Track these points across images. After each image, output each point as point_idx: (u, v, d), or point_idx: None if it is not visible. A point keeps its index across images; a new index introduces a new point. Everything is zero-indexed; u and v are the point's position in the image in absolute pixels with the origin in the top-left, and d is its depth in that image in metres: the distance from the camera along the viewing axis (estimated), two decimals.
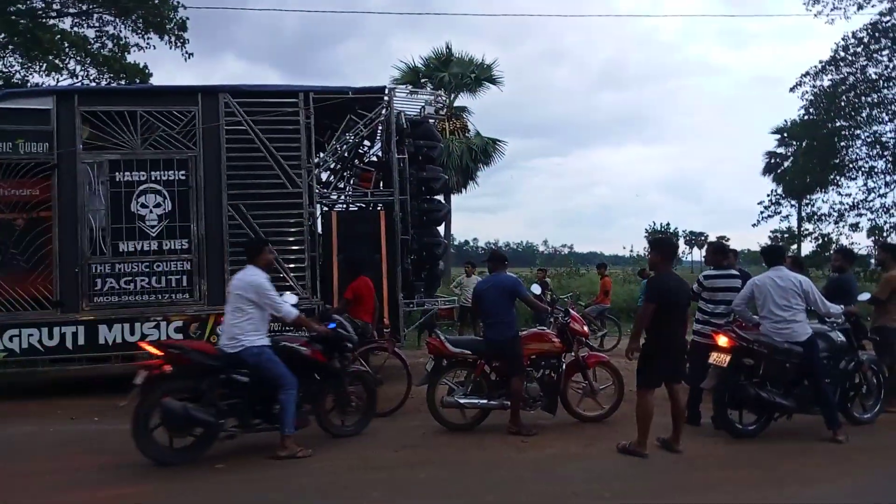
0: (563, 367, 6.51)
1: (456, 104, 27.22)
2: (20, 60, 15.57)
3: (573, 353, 6.57)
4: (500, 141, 27.79)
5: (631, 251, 40.74)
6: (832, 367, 6.29)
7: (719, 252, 6.85)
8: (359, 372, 6.31)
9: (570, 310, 7.01)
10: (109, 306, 8.08)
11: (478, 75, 27.20)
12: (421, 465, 5.29)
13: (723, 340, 5.98)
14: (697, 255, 71.83)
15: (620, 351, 9.51)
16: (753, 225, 24.45)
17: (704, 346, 6.20)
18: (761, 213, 24.00)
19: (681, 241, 67.28)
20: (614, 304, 13.62)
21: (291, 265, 8.55)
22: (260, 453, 5.42)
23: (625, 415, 6.16)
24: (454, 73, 26.64)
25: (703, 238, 71.70)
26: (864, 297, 7.04)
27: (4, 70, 15.53)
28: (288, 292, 6.56)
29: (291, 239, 8.57)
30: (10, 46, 15.35)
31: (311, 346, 5.76)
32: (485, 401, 6.32)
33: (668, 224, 68.00)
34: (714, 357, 6.01)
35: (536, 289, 7.80)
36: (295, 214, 8.54)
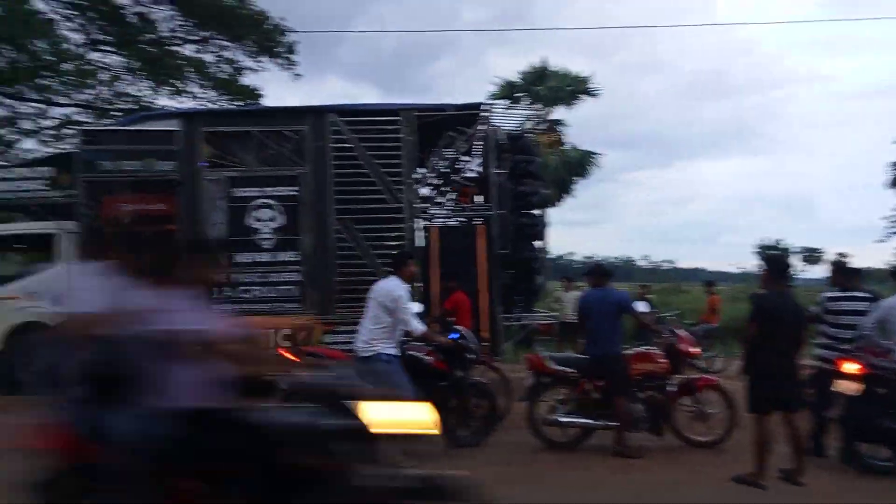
0: (672, 388, 6.24)
1: (551, 117, 27.01)
2: (150, 85, 17.04)
3: (680, 375, 6.30)
4: (596, 153, 27.30)
5: (740, 267, 38.41)
6: None
7: (843, 272, 6.38)
8: (480, 383, 6.36)
9: (676, 329, 6.73)
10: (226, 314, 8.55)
11: (574, 88, 26.87)
12: (517, 483, 5.19)
13: (851, 367, 5.53)
14: (815, 272, 66.63)
15: (730, 373, 9.04)
16: (879, 241, 22.64)
17: (830, 373, 5.76)
18: (887, 227, 22.16)
19: (795, 258, 62.69)
20: (723, 324, 12.90)
21: None
22: None
23: (740, 442, 5.80)
24: (550, 87, 26.47)
25: (818, 254, 66.63)
26: None
27: (137, 94, 17.05)
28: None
29: (393, 252, 8.75)
30: (142, 73, 16.83)
31: (435, 356, 5.93)
32: (586, 419, 6.17)
33: (778, 240, 63.65)
34: (839, 385, 5.57)
35: (642, 306, 7.56)
36: (396, 229, 8.74)
